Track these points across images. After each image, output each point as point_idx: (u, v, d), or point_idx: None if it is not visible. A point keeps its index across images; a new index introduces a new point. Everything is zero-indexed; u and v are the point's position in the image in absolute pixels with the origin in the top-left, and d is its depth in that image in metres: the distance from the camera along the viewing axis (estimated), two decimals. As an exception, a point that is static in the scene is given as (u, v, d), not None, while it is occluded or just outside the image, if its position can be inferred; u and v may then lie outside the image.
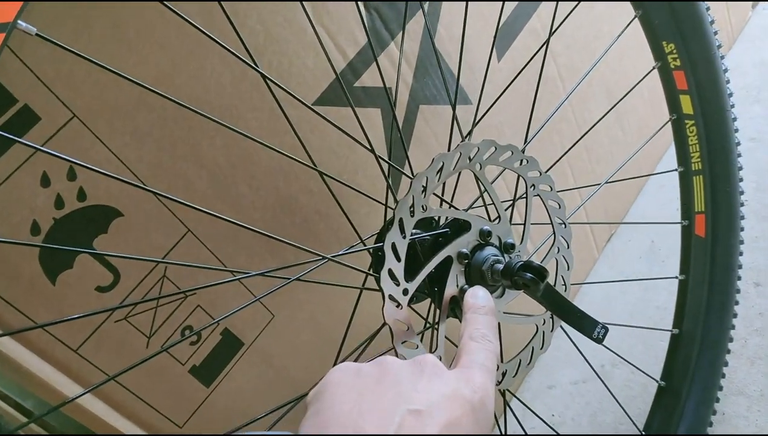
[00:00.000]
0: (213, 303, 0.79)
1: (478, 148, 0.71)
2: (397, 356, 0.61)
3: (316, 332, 0.91)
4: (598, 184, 1.00)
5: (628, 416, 1.02)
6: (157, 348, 0.75)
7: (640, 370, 1.03)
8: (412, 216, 0.67)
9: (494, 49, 1.04)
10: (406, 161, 0.80)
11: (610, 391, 1.01)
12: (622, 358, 1.02)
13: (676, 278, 1.06)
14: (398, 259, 0.66)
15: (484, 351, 0.53)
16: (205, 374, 0.81)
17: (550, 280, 0.70)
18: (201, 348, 0.80)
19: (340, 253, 0.70)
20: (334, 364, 0.77)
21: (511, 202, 0.82)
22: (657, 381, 1.04)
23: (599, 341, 0.67)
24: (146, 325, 0.74)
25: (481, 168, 0.72)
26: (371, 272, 0.76)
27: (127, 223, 0.70)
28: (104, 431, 0.74)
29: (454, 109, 0.77)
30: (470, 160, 0.71)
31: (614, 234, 1.46)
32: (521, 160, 0.76)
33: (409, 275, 0.68)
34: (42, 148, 0.52)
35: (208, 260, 0.77)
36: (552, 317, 0.79)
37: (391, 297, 0.66)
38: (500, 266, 0.69)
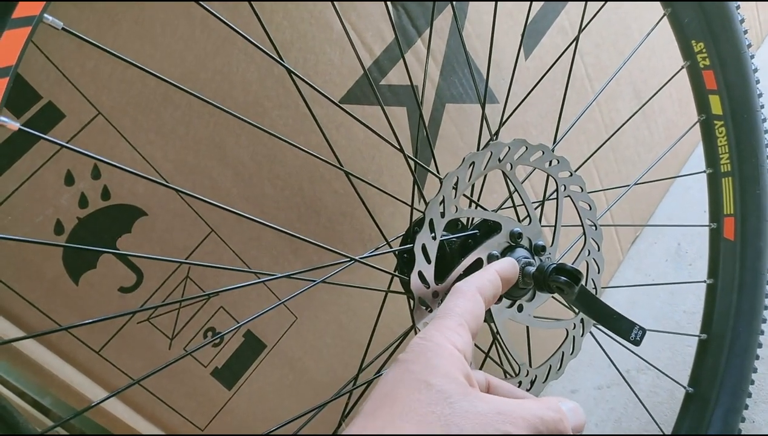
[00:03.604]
0: (236, 304, 0.78)
1: (509, 148, 0.69)
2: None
3: (340, 334, 0.90)
4: (626, 186, 0.98)
5: (655, 421, 1.00)
6: (180, 349, 0.74)
7: (668, 376, 1.01)
8: (443, 217, 0.65)
9: (521, 47, 1.02)
10: (432, 161, 0.78)
11: (637, 396, 0.99)
12: (648, 363, 1.00)
13: (705, 282, 1.04)
14: (428, 261, 0.64)
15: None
16: (227, 376, 0.79)
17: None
18: (223, 350, 0.78)
19: (366, 254, 0.69)
20: (359, 368, 0.76)
21: (540, 203, 0.80)
22: (685, 387, 1.02)
23: (637, 342, 0.65)
24: (169, 326, 0.73)
25: (511, 168, 0.70)
26: (397, 273, 0.74)
27: (151, 222, 0.69)
28: (122, 430, 0.73)
29: (483, 108, 0.75)
30: (500, 160, 0.69)
31: (639, 236, 1.44)
32: (552, 161, 0.74)
33: (438, 278, 0.66)
34: (67, 144, 0.51)
35: (232, 261, 0.76)
36: (582, 322, 0.77)
37: (420, 300, 0.64)
38: (532, 269, 0.67)
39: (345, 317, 0.89)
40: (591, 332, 0.88)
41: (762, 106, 0.97)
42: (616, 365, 0.98)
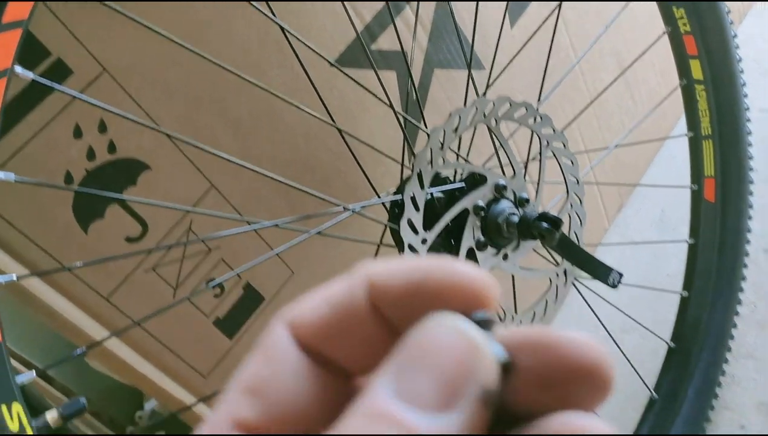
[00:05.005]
0: (236, 257, 0.81)
1: (494, 104, 0.73)
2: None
3: (335, 289, 0.93)
4: (608, 148, 1.03)
5: (639, 376, 1.04)
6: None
7: (650, 331, 1.05)
8: (431, 167, 0.69)
9: (507, 16, 1.05)
10: (422, 120, 0.82)
11: (621, 350, 1.03)
12: (631, 318, 1.04)
13: (686, 241, 1.08)
14: (417, 209, 0.68)
15: None
16: (228, 326, 0.83)
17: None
18: (224, 301, 0.82)
19: (359, 204, 0.73)
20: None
21: (526, 160, 0.84)
22: (667, 342, 1.06)
23: (614, 286, 0.70)
24: (173, 276, 0.77)
25: (496, 123, 0.74)
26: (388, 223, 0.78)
27: (155, 176, 0.73)
28: (130, 376, 0.76)
29: (469, 69, 0.79)
30: (485, 115, 0.73)
31: (625, 204, 1.48)
32: (535, 118, 0.78)
33: (427, 228, 0.70)
34: (79, 95, 0.55)
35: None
36: (565, 272, 0.81)
37: (410, 246, 0.68)
38: (516, 218, 0.72)
39: (339, 271, 0.93)
40: (578, 290, 0.92)
41: (742, 71, 1.01)
42: (603, 323, 1.02)
